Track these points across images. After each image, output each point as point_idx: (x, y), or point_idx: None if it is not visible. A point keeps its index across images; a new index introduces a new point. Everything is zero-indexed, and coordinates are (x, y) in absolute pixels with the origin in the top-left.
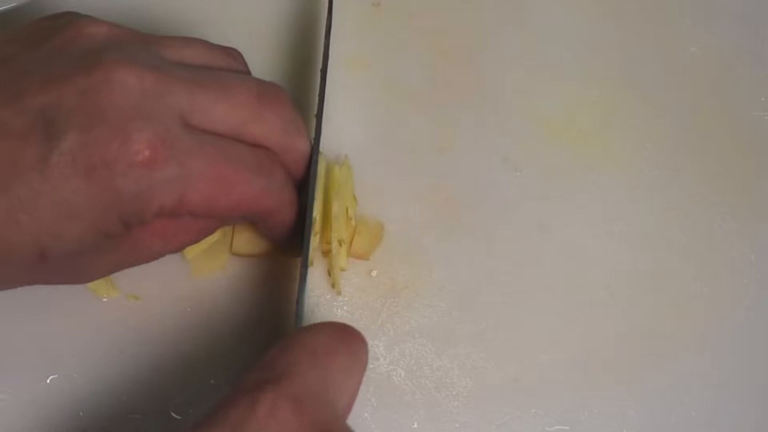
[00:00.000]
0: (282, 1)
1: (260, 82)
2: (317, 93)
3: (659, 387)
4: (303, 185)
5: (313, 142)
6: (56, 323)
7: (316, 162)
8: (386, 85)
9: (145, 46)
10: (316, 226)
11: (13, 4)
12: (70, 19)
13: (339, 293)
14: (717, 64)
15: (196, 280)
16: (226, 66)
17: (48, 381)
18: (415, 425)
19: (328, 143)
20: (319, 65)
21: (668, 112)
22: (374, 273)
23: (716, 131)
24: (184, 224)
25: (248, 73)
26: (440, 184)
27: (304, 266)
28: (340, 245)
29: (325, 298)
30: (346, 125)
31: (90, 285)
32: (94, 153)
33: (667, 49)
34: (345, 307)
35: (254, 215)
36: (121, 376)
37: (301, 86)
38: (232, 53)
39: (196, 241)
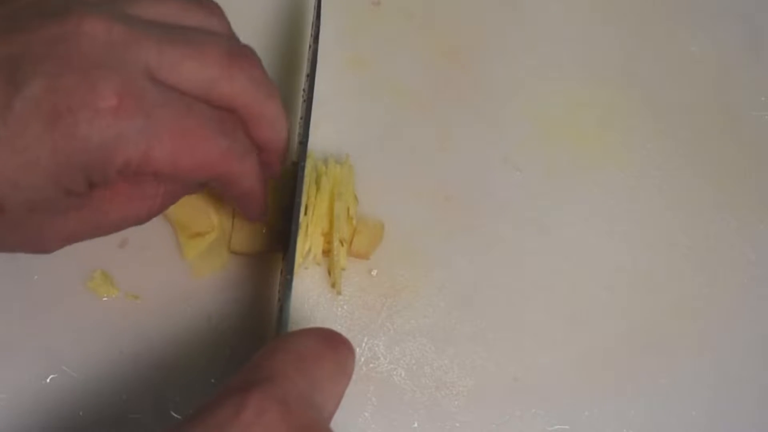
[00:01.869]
0: (274, 1)
1: (232, 42)
2: (306, 96)
3: (659, 387)
4: (286, 186)
5: (299, 145)
6: (56, 323)
7: (303, 167)
8: (386, 85)
9: (115, 3)
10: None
11: None
12: None
13: (339, 293)
14: (717, 64)
15: (196, 280)
16: (204, 21)
17: (48, 381)
18: (416, 425)
19: (328, 143)
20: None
21: (668, 111)
22: (374, 272)
23: (716, 131)
24: (147, 189)
25: (227, 28)
26: (440, 184)
27: (289, 272)
28: (342, 245)
29: (325, 297)
30: (347, 125)
31: (90, 284)
32: (60, 100)
33: (667, 49)
34: (345, 307)
35: (218, 178)
36: (121, 375)
37: (292, 88)
38: (209, 7)
39: (159, 210)
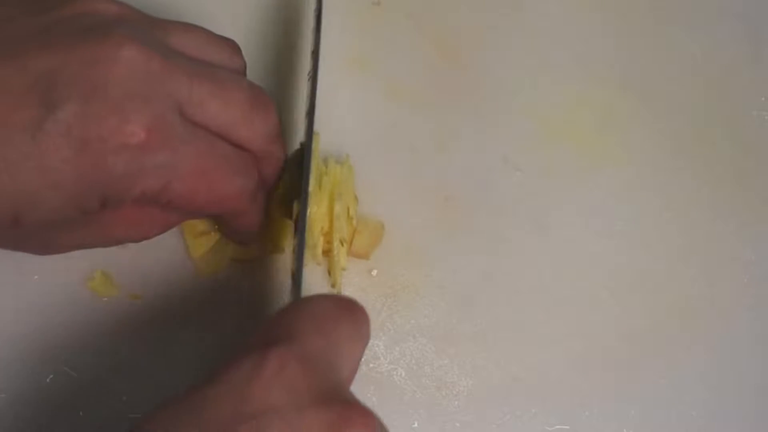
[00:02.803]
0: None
1: (253, 86)
2: (309, 93)
3: (659, 387)
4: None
5: (305, 140)
6: (56, 323)
7: (309, 158)
8: (386, 85)
9: (152, 29)
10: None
11: None
12: None
13: (339, 293)
14: (717, 64)
15: (197, 280)
16: (226, 59)
17: (48, 381)
18: (416, 425)
19: (328, 143)
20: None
21: (668, 112)
22: (374, 272)
23: (716, 131)
24: (152, 215)
25: (245, 66)
26: (440, 184)
27: (301, 234)
28: (342, 245)
29: None
30: (346, 125)
31: (90, 284)
32: (91, 128)
33: (667, 49)
34: None
35: (225, 214)
36: (120, 375)
37: (295, 85)
38: (232, 45)
39: (154, 235)
